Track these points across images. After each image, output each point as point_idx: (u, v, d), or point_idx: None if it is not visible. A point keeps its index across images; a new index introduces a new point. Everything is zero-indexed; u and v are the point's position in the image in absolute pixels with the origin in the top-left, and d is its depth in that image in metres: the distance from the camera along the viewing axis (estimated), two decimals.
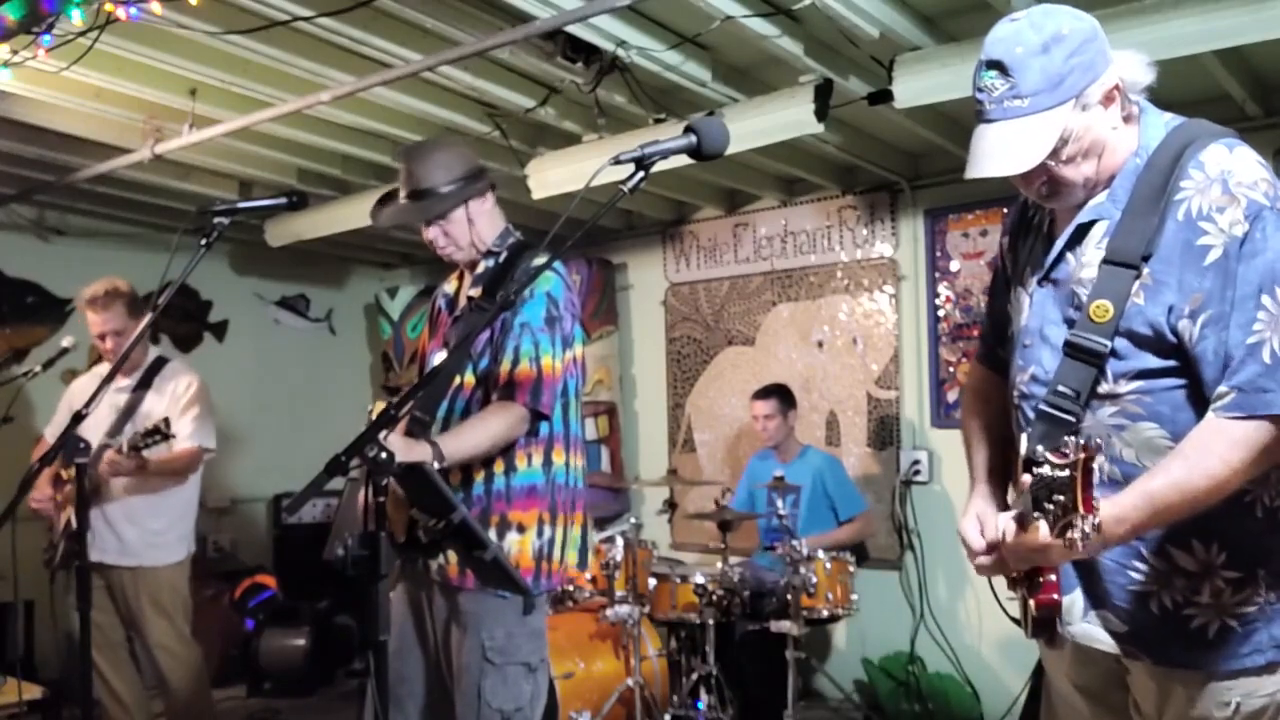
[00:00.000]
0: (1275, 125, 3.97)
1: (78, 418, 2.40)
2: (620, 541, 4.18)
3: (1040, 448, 1.39)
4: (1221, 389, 1.47)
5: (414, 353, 6.31)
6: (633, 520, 4.26)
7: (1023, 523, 1.51)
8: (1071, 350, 1.59)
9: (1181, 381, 1.54)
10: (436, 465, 2.18)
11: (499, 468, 2.39)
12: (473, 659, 2.35)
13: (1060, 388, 1.60)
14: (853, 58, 3.57)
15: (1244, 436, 1.45)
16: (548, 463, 2.43)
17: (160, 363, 3.79)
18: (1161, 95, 4.09)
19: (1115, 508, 1.45)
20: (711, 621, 4.03)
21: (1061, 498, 1.33)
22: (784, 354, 5.35)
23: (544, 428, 2.42)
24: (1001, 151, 1.54)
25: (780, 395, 4.69)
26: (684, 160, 1.83)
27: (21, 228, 5.45)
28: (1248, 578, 1.54)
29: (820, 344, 5.22)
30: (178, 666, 3.67)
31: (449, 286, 2.68)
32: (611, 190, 1.76)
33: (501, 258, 2.52)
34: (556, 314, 2.39)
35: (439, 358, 2.55)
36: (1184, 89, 3.96)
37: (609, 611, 4.06)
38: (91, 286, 3.65)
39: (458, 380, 2.45)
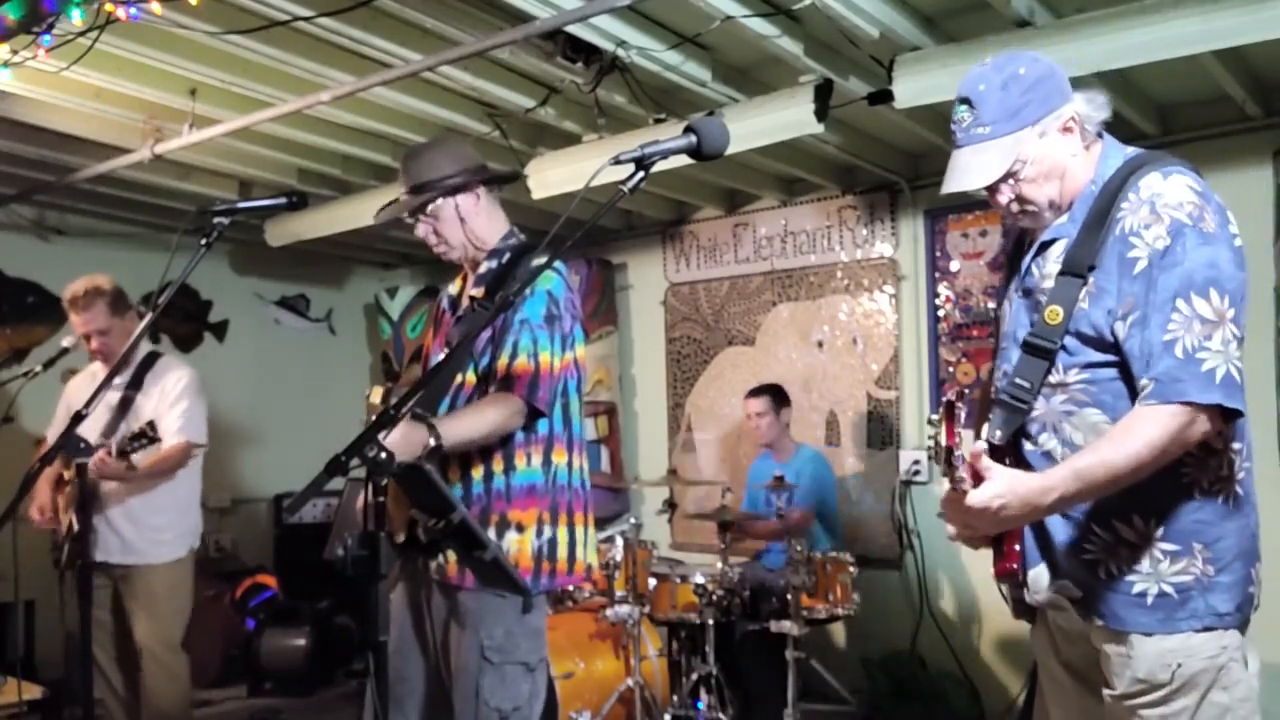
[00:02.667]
0: (1275, 125, 3.97)
1: (78, 417, 2.40)
2: (620, 541, 4.18)
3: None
4: (1143, 381, 1.67)
5: (414, 352, 6.32)
6: (633, 520, 4.26)
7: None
8: (1027, 348, 1.83)
9: (1120, 374, 1.76)
10: (433, 443, 2.18)
11: (498, 466, 2.39)
12: (471, 658, 2.35)
13: (1017, 380, 1.83)
14: (853, 58, 3.57)
15: (1161, 420, 1.63)
16: (547, 462, 2.43)
17: (152, 358, 3.76)
18: (1162, 95, 4.10)
19: (1045, 479, 1.65)
20: (711, 621, 4.02)
21: (933, 434, 1.52)
22: (784, 354, 5.35)
23: (544, 426, 2.42)
24: (968, 169, 1.82)
25: (772, 394, 4.69)
26: (684, 160, 1.84)
27: (21, 228, 5.46)
28: (1184, 551, 1.72)
29: (820, 344, 5.22)
30: (159, 672, 3.61)
31: (453, 288, 2.68)
32: (611, 190, 1.76)
33: (505, 258, 2.51)
34: (557, 312, 2.40)
35: (439, 359, 2.55)
36: (1184, 89, 3.96)
37: (609, 611, 4.06)
38: (72, 286, 3.61)
39: (459, 379, 2.45)
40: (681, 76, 3.57)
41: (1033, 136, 1.79)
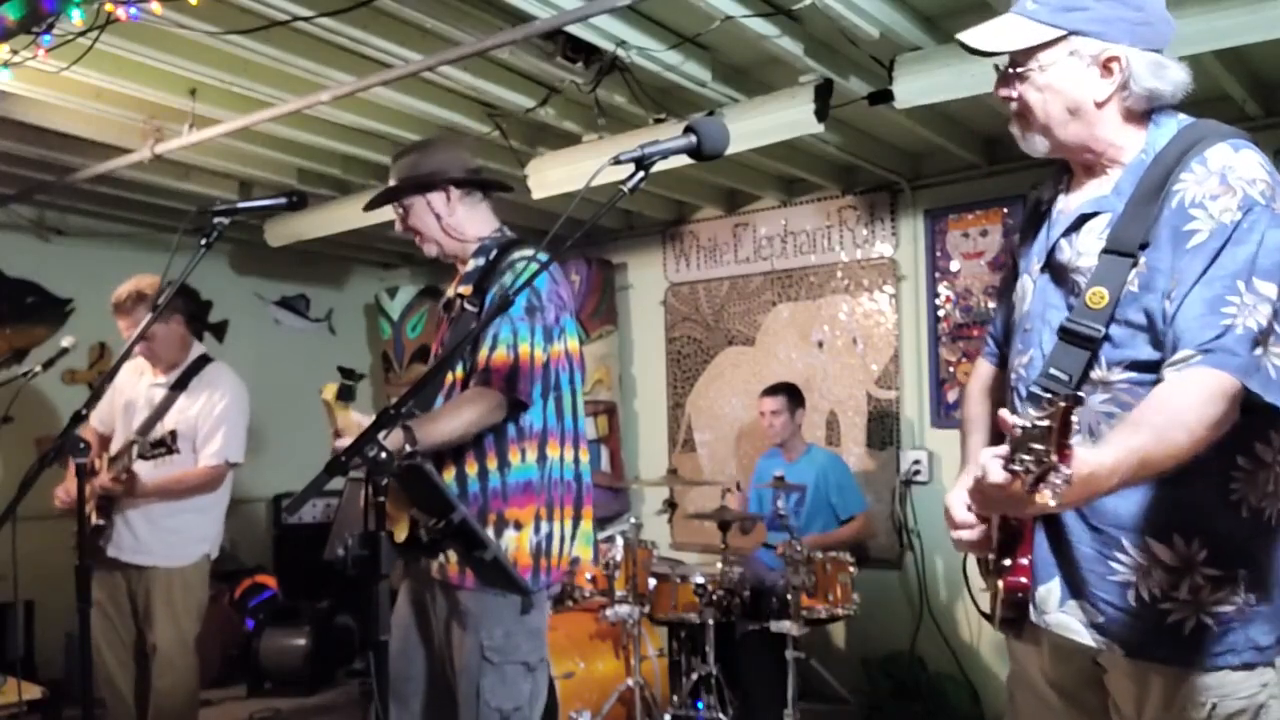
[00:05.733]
0: (1275, 125, 3.97)
1: (76, 417, 2.40)
2: (620, 541, 4.18)
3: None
4: (1186, 351, 1.47)
5: (415, 352, 6.32)
6: (633, 520, 4.26)
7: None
8: (1066, 335, 1.61)
9: None
10: (409, 449, 2.18)
11: (493, 464, 2.38)
12: (472, 658, 2.35)
13: (1052, 370, 1.61)
14: (853, 58, 3.57)
15: (1216, 394, 1.43)
16: (542, 458, 2.41)
17: (201, 363, 3.70)
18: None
19: (1112, 460, 1.38)
20: (711, 621, 4.02)
21: (1039, 447, 1.25)
22: (784, 354, 5.35)
23: (536, 421, 2.41)
24: (989, 32, 1.63)
25: (788, 393, 4.69)
26: (684, 160, 1.83)
27: (21, 228, 5.45)
28: (1227, 577, 1.54)
29: (820, 344, 5.22)
30: (168, 672, 3.59)
31: (450, 290, 2.68)
32: (611, 190, 1.76)
33: (492, 255, 2.52)
34: (538, 304, 2.39)
35: (438, 360, 2.56)
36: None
37: (609, 611, 4.06)
38: (116, 291, 3.57)
39: (450, 376, 2.47)
40: (681, 76, 3.57)
41: (1064, 48, 1.59)
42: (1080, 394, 1.37)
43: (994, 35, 1.63)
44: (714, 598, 4.03)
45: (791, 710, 3.85)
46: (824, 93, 3.55)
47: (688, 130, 1.79)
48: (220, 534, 3.81)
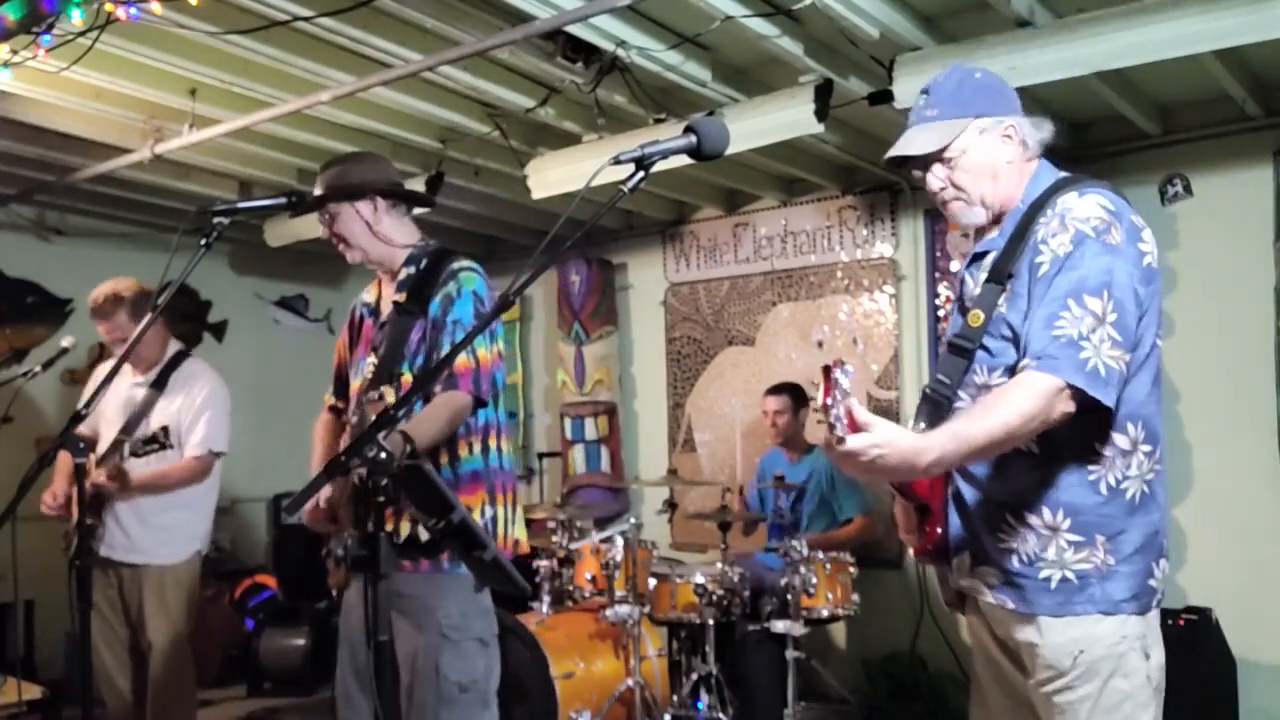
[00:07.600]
0: (1275, 125, 3.97)
1: (76, 417, 2.40)
2: (620, 541, 4.18)
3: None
4: (1026, 361, 1.80)
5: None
6: (633, 520, 4.25)
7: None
8: (951, 348, 1.99)
9: None
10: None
11: (444, 459, 2.54)
12: (430, 638, 2.47)
13: (940, 376, 1.99)
14: (853, 58, 3.57)
15: (1033, 390, 1.74)
16: (485, 449, 2.60)
17: (179, 359, 3.71)
18: (1162, 95, 4.10)
19: (925, 439, 1.72)
20: (711, 621, 4.02)
21: (816, 401, 1.62)
22: (784, 354, 5.35)
23: (482, 417, 2.58)
24: (910, 141, 2.01)
25: (792, 393, 4.69)
26: (684, 160, 1.84)
27: (21, 228, 5.46)
28: (1087, 541, 1.86)
29: (820, 344, 5.22)
30: (162, 668, 3.59)
31: (368, 296, 2.79)
32: (611, 190, 1.76)
33: (423, 264, 2.65)
34: (484, 310, 2.54)
35: (369, 365, 2.65)
36: (1184, 89, 3.96)
37: (609, 611, 4.06)
38: (93, 293, 3.58)
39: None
40: (681, 76, 3.57)
41: (974, 130, 1.97)
42: (842, 359, 1.66)
43: (918, 140, 2.00)
44: (714, 598, 4.03)
45: (791, 710, 3.85)
46: (824, 93, 3.56)
47: (688, 130, 1.80)
48: (210, 530, 3.83)
